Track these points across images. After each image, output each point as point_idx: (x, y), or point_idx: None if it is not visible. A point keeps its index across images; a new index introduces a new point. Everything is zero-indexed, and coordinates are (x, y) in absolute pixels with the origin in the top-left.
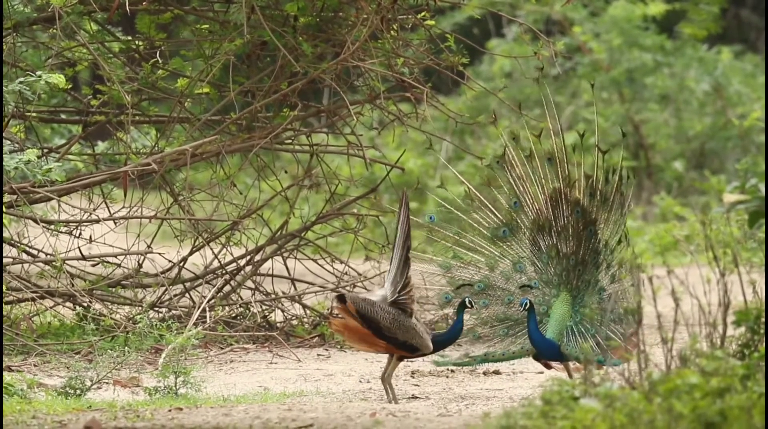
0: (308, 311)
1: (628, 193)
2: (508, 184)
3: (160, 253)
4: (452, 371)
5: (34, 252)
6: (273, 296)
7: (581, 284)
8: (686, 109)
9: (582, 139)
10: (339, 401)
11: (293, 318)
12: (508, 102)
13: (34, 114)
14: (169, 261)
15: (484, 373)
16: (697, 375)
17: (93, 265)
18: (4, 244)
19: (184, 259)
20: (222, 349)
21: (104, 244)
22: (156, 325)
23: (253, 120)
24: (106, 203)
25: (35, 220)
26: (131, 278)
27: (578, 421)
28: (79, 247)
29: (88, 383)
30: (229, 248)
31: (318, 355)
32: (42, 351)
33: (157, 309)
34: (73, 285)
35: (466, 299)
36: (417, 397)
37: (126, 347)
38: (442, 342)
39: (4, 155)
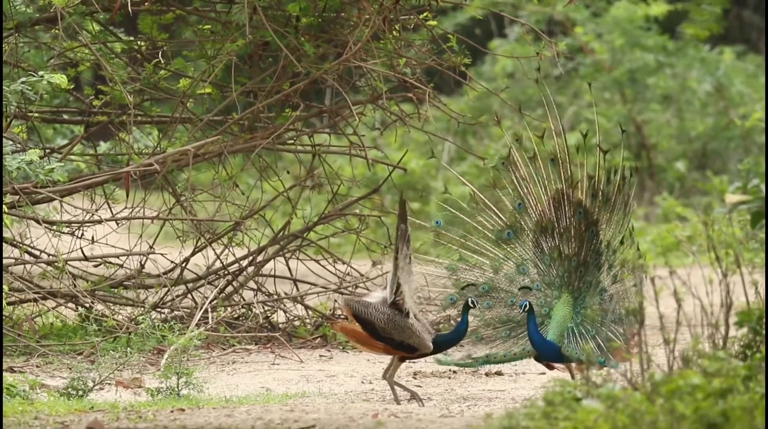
0: (310, 312)
1: (631, 192)
2: (512, 186)
3: (162, 254)
4: (454, 372)
5: (37, 253)
6: (275, 297)
7: (583, 285)
8: (688, 109)
9: (585, 140)
10: (341, 402)
11: (295, 319)
12: (510, 102)
13: (36, 114)
14: (172, 262)
15: (487, 374)
16: (700, 376)
17: (95, 266)
18: (6, 245)
19: (187, 260)
20: (224, 350)
21: (106, 244)
22: (158, 325)
23: (255, 120)
24: (108, 204)
25: (37, 221)
26: (133, 279)
27: (580, 422)
28: (81, 248)
29: (91, 384)
30: (231, 249)
31: (320, 356)
32: (44, 352)
33: (159, 310)
34: (75, 286)
35: (470, 299)
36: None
37: (128, 348)
38: (446, 342)
39: (6, 155)
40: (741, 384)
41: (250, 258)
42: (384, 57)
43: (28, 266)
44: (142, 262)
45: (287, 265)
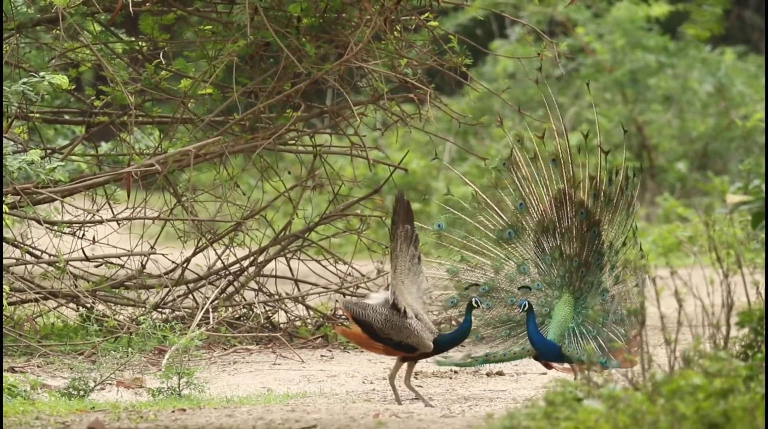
0: (311, 312)
1: (634, 193)
2: (513, 186)
3: (163, 254)
4: (455, 372)
5: (38, 253)
6: (276, 297)
7: (584, 286)
8: (689, 110)
9: (586, 140)
10: (342, 402)
11: (296, 319)
12: (512, 103)
13: (37, 115)
14: (173, 262)
15: (488, 375)
16: (701, 376)
17: (96, 266)
18: (7, 245)
19: (188, 260)
20: (225, 350)
21: (107, 245)
22: (159, 326)
23: (256, 121)
24: (109, 204)
25: (38, 221)
26: (134, 279)
27: (581, 422)
28: (82, 248)
29: (92, 384)
30: (232, 249)
31: (321, 356)
32: (45, 352)
33: (160, 310)
34: (76, 286)
35: (473, 299)
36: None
37: (129, 348)
38: (449, 341)
39: (7, 156)
40: (742, 384)
41: (252, 258)
42: (385, 57)
43: (29, 266)
44: (143, 263)
45: (288, 265)
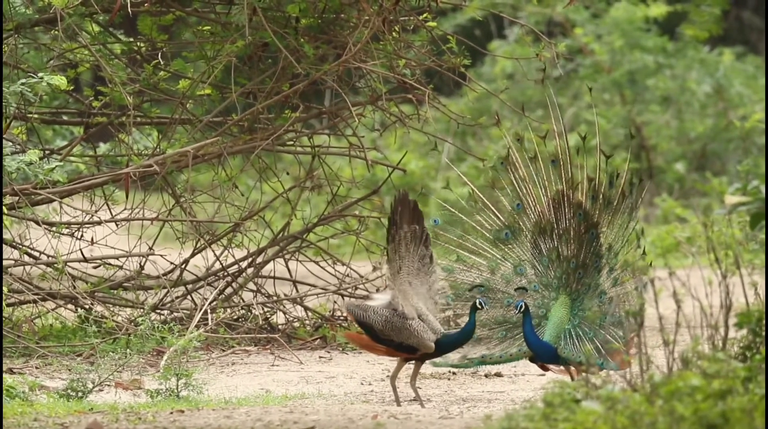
0: (310, 313)
1: (638, 196)
2: (511, 186)
3: (161, 255)
4: (454, 374)
5: (36, 254)
6: (275, 298)
7: (581, 287)
8: (688, 110)
9: (584, 142)
10: (341, 403)
11: (295, 320)
12: (510, 103)
13: (35, 115)
14: (171, 263)
15: (486, 376)
16: (699, 377)
17: (95, 267)
18: (5, 246)
19: (186, 261)
20: (223, 351)
21: (106, 246)
22: (158, 327)
23: (254, 121)
24: (107, 205)
25: (37, 222)
26: (133, 280)
27: (580, 423)
28: (80, 249)
29: (90, 385)
30: (230, 250)
31: (320, 357)
32: (44, 353)
33: (158, 311)
34: (74, 287)
35: (477, 300)
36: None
37: (128, 349)
38: (452, 342)
39: (6, 157)
40: (740, 385)
41: (250, 259)
42: (383, 58)
43: (27, 267)
44: (142, 264)
45: (287, 266)
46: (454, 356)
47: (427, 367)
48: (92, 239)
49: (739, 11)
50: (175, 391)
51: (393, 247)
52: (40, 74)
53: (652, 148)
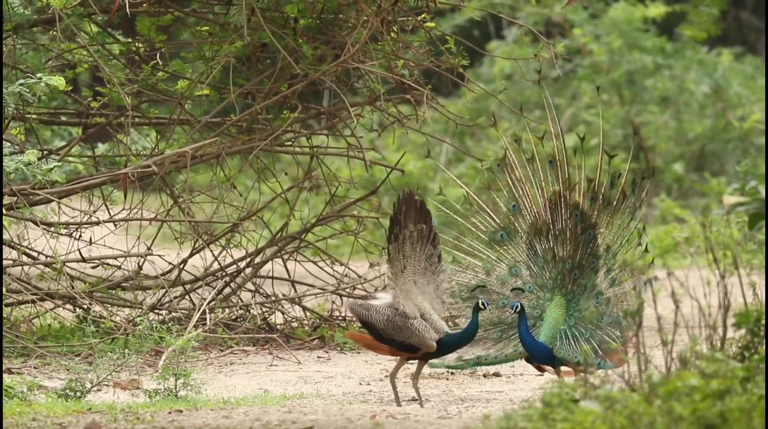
0: (308, 313)
1: (640, 195)
2: (507, 187)
3: (160, 255)
4: (452, 374)
5: (34, 254)
6: (273, 298)
7: (577, 288)
8: (686, 111)
9: (583, 143)
10: (339, 403)
11: (293, 320)
12: (508, 104)
13: (34, 116)
14: (169, 263)
15: (484, 376)
16: (697, 377)
17: (93, 267)
18: (4, 246)
19: (184, 261)
20: (222, 351)
21: (104, 246)
22: (156, 327)
23: (253, 122)
24: (106, 205)
25: (35, 222)
26: (131, 280)
27: (578, 423)
28: (79, 249)
29: (88, 385)
30: (229, 250)
31: (318, 357)
32: (42, 353)
33: (157, 311)
34: (73, 287)
35: (480, 300)
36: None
37: (126, 349)
38: (454, 342)
39: (4, 157)
40: (739, 385)
41: (248, 259)
42: (382, 59)
43: (26, 267)
44: (140, 264)
45: (285, 266)
46: (450, 356)
47: (426, 368)
48: (90, 239)
49: (738, 12)
50: (174, 391)
51: (396, 247)
52: (38, 75)
53: (650, 149)
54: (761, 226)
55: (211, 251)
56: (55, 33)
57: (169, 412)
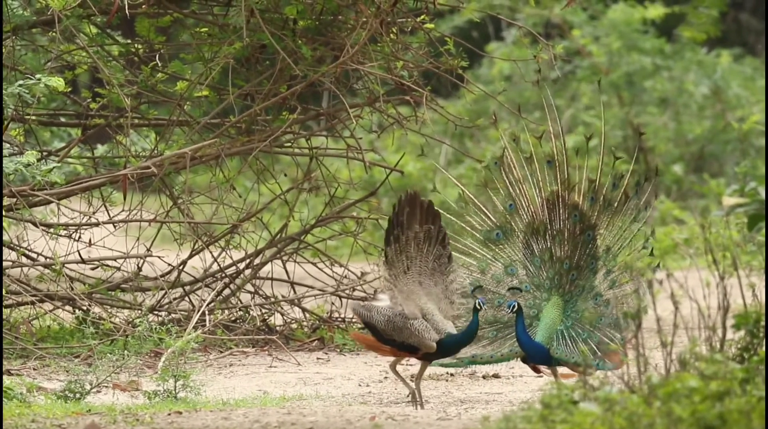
0: (308, 315)
1: (642, 195)
2: (504, 186)
3: (159, 257)
4: (452, 375)
5: (34, 255)
6: (272, 300)
7: (574, 289)
8: (685, 112)
9: (587, 142)
10: (338, 405)
11: (293, 321)
12: (508, 105)
13: (33, 117)
14: (169, 264)
15: (484, 377)
16: (697, 379)
17: (92, 269)
18: (3, 248)
19: (184, 263)
20: (221, 352)
21: (104, 247)
22: (155, 328)
23: (252, 123)
24: (105, 206)
25: (35, 224)
26: (131, 282)
27: (578, 425)
28: (78, 251)
29: (88, 387)
30: (228, 251)
31: (317, 358)
32: (41, 355)
33: (156, 312)
34: (72, 288)
35: (478, 301)
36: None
37: (125, 351)
38: (455, 343)
39: (3, 158)
40: (738, 387)
41: (248, 261)
42: (381, 60)
43: (25, 269)
44: (140, 265)
45: (284, 267)
46: None
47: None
48: (90, 241)
49: (737, 13)
50: (173, 392)
51: (396, 248)
52: (37, 76)
53: (649, 150)
54: (760, 227)
55: (211, 252)
56: (54, 34)
57: (169, 414)
